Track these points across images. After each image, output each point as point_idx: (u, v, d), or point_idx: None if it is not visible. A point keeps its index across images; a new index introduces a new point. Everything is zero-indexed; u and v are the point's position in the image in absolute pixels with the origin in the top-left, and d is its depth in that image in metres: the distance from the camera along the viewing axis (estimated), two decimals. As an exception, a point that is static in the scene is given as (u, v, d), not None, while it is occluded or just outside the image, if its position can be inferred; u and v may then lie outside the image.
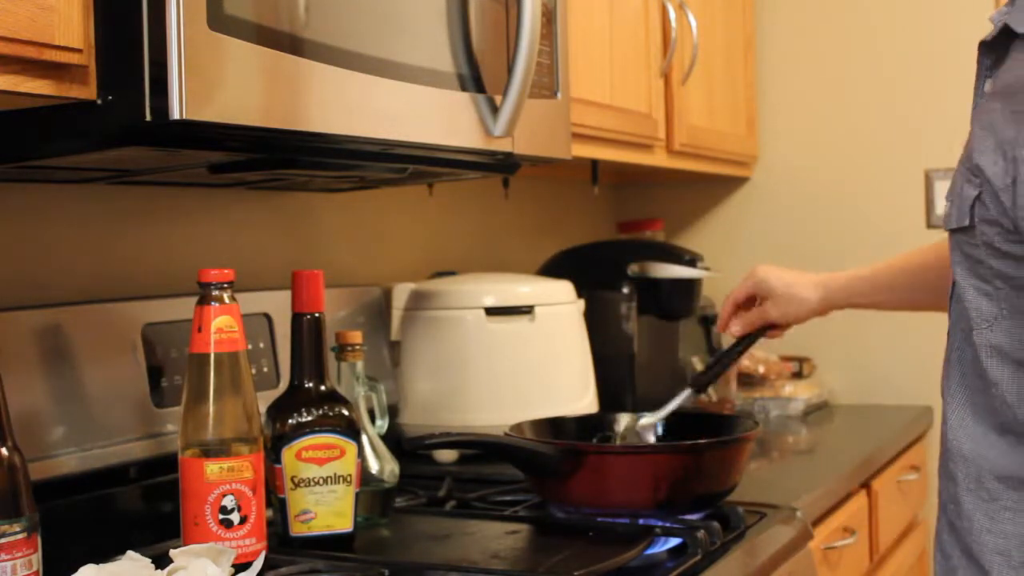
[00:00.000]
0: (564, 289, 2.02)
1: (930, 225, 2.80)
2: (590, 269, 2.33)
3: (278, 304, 1.67)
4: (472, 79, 1.44)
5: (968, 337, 1.20)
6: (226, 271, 1.28)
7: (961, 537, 1.20)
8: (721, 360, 1.78)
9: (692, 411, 2.41)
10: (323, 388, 1.43)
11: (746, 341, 1.76)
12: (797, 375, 2.74)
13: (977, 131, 1.17)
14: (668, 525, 1.44)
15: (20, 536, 1.09)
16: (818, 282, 1.73)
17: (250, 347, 1.53)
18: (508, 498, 1.69)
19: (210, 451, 1.26)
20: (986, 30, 1.32)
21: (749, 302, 1.76)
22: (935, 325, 2.83)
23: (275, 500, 1.41)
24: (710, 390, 2.63)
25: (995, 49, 1.25)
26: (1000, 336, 1.15)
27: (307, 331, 1.43)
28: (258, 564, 1.25)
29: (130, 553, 1.20)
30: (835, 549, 1.96)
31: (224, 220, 1.79)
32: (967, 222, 1.16)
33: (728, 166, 2.82)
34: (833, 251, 2.89)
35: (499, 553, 1.42)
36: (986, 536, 1.18)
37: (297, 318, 1.43)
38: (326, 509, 1.40)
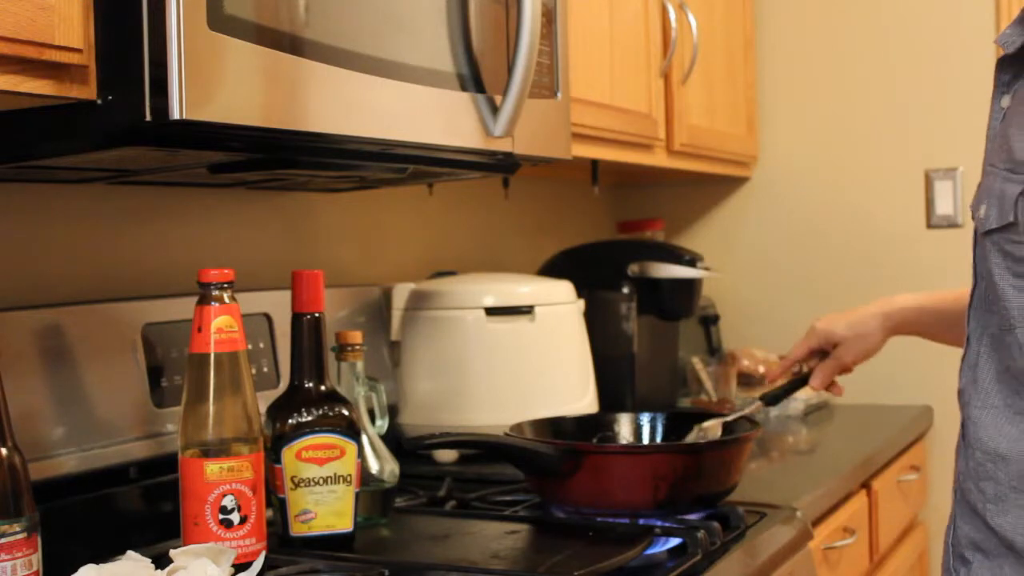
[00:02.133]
0: (564, 289, 2.01)
1: (930, 225, 2.80)
2: (590, 269, 2.33)
3: (278, 304, 1.67)
4: (472, 79, 1.44)
5: (1001, 338, 1.21)
6: (226, 271, 1.28)
7: (1005, 535, 1.21)
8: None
9: (692, 411, 2.41)
10: (323, 388, 1.43)
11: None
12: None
13: (1015, 132, 1.19)
14: (668, 525, 1.44)
15: (20, 536, 1.09)
16: (878, 313, 1.73)
17: (250, 347, 1.53)
18: (508, 498, 1.69)
19: (210, 451, 1.26)
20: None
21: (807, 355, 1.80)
22: (935, 325, 2.80)
23: (275, 500, 1.41)
24: (711, 390, 2.63)
25: (1014, 64, 1.26)
26: None
27: (307, 331, 1.43)
28: (258, 564, 1.25)
29: (130, 553, 1.20)
30: (835, 549, 1.96)
31: (224, 220, 1.79)
32: (1011, 218, 1.18)
33: (728, 166, 2.82)
34: (833, 251, 2.89)
35: (499, 553, 1.41)
36: None
37: (297, 318, 1.43)
38: (326, 509, 1.40)
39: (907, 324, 1.72)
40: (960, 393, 1.29)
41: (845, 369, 1.78)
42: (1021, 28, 1.29)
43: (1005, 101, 1.27)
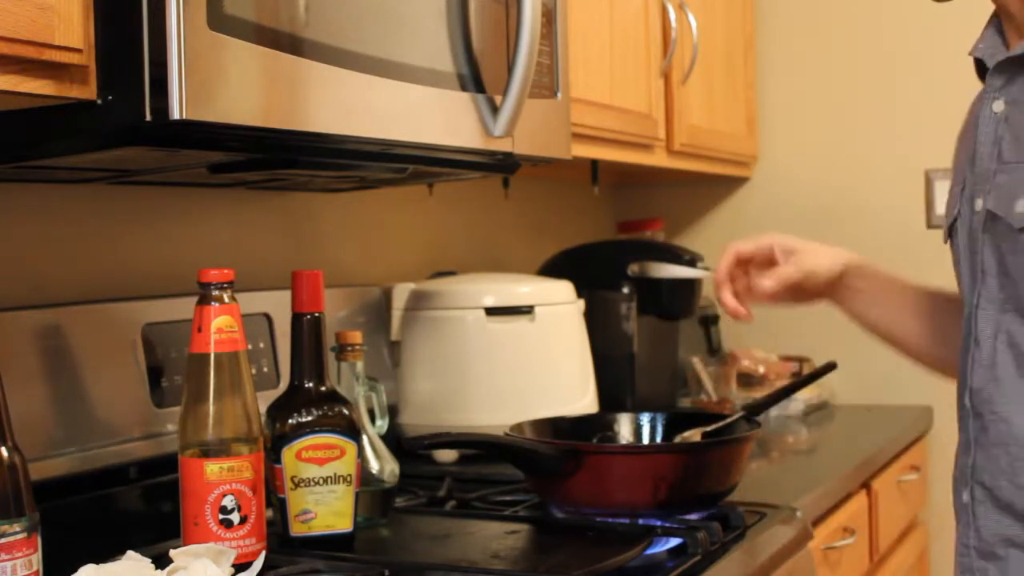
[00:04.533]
0: (564, 289, 2.01)
1: (930, 225, 2.80)
2: (590, 269, 2.33)
3: (278, 304, 1.67)
4: (472, 79, 1.44)
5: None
6: (226, 271, 1.28)
7: None
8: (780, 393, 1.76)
9: (692, 411, 2.41)
10: (323, 388, 1.43)
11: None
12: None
13: None
14: (668, 525, 1.44)
15: (20, 536, 1.09)
16: (834, 249, 1.65)
17: (250, 347, 1.53)
18: (508, 498, 1.68)
19: (210, 451, 1.26)
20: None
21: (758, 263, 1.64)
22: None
23: (275, 500, 1.41)
24: (711, 390, 2.63)
25: (1009, 68, 1.26)
26: None
27: (307, 331, 1.43)
28: (258, 564, 1.25)
29: (130, 553, 1.20)
30: (835, 549, 1.96)
31: (224, 220, 1.79)
32: None
33: (728, 166, 2.82)
34: (833, 251, 2.88)
35: (499, 553, 1.41)
36: None
37: (297, 318, 1.43)
38: (326, 509, 1.40)
39: (857, 266, 1.62)
40: (976, 393, 1.29)
41: (799, 280, 1.61)
42: (997, 36, 1.30)
43: (998, 106, 1.28)
